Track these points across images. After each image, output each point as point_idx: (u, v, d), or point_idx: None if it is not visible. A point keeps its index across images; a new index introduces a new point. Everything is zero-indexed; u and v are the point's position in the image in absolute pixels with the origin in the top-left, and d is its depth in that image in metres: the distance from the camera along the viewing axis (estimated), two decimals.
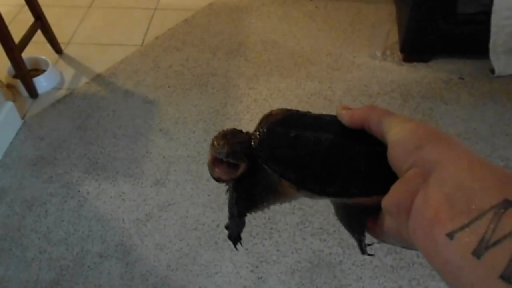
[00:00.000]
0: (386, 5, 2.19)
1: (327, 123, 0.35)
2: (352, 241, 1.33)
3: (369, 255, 0.37)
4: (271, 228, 1.38)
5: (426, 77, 1.84)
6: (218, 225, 1.38)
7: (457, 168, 0.26)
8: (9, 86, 1.83)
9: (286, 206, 1.42)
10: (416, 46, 1.83)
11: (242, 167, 0.34)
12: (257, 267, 1.30)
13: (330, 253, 1.32)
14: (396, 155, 0.30)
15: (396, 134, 0.30)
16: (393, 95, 1.78)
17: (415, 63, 1.88)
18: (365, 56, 1.94)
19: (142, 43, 2.06)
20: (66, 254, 1.33)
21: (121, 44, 2.05)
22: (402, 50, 1.87)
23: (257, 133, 0.35)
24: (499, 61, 1.77)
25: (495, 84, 1.80)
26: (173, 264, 1.30)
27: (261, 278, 1.27)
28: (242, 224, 0.37)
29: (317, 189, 0.32)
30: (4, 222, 1.40)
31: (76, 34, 2.13)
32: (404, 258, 1.30)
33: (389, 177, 0.30)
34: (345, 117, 0.34)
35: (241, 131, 0.37)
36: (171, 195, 1.46)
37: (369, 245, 0.36)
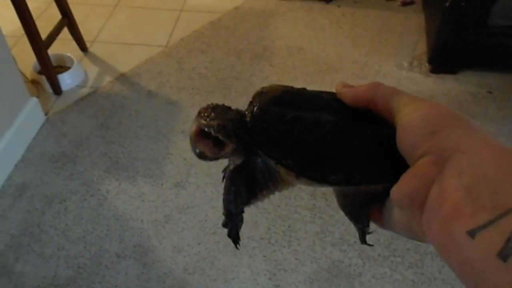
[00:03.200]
0: (415, 15, 2.16)
1: (327, 102, 0.31)
2: (373, 253, 1.31)
3: (368, 245, 0.34)
4: (291, 236, 1.35)
5: (453, 89, 1.80)
6: None
7: (478, 156, 0.23)
8: (34, 82, 1.85)
9: (306, 214, 1.40)
10: (444, 58, 1.79)
11: (229, 147, 0.30)
12: (274, 274, 1.27)
13: (349, 264, 1.29)
14: (407, 140, 0.27)
15: (407, 115, 0.27)
16: None
17: (442, 75, 1.84)
18: (392, 65, 1.91)
19: (167, 44, 2.06)
20: (84, 252, 1.32)
21: (146, 44, 2.06)
22: (430, 61, 1.83)
23: (250, 114, 0.31)
24: None
25: None
26: (191, 267, 1.29)
27: (278, 286, 1.25)
28: (240, 221, 0.34)
29: (318, 177, 0.29)
30: (24, 217, 1.41)
31: (101, 32, 2.15)
32: (426, 273, 1.26)
33: (397, 163, 0.27)
34: (348, 96, 0.31)
35: (230, 108, 0.33)
36: (190, 198, 1.45)
37: (369, 233, 0.33)
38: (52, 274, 1.28)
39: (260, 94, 0.32)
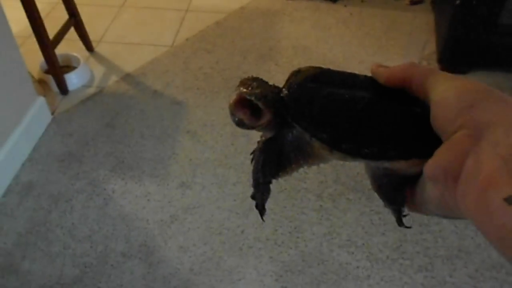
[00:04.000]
0: (424, 14, 2.13)
1: (362, 81, 0.32)
2: (382, 256, 1.29)
3: (406, 227, 0.34)
4: (297, 237, 1.34)
5: None
6: (243, 231, 1.35)
7: None
8: (41, 82, 1.85)
9: (313, 216, 1.39)
10: (454, 57, 1.77)
11: (267, 117, 0.31)
12: (281, 276, 1.26)
13: (357, 267, 1.27)
14: (441, 116, 0.27)
15: (442, 93, 0.27)
16: None
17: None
18: None
19: (173, 44, 2.06)
20: (90, 252, 1.32)
21: (152, 44, 2.06)
22: (439, 61, 1.81)
23: (287, 88, 0.32)
24: None
25: None
26: (196, 267, 1.28)
27: (285, 287, 1.24)
28: (267, 191, 0.35)
29: (352, 150, 0.30)
30: (31, 216, 1.41)
31: (107, 32, 2.15)
32: (436, 277, 1.24)
33: (431, 140, 0.28)
34: (384, 75, 0.31)
35: (268, 83, 0.34)
36: (196, 198, 1.44)
37: (404, 215, 0.33)
38: (59, 273, 1.28)
39: (297, 73, 0.33)
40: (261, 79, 0.34)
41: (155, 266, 1.29)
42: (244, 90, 0.32)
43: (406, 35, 2.05)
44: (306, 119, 0.30)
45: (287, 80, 0.33)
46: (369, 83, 0.32)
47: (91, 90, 1.85)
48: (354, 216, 1.38)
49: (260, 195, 0.35)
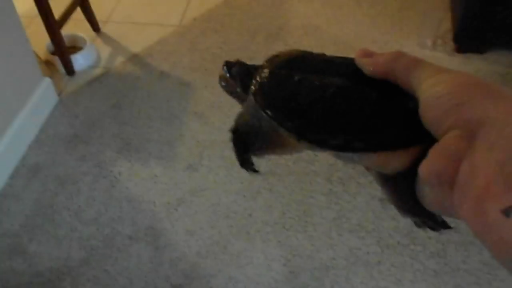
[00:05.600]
0: None
1: (341, 67, 0.30)
2: (392, 241, 1.26)
3: (447, 228, 0.30)
4: (306, 221, 1.32)
5: (480, 70, 1.71)
6: (250, 214, 1.33)
7: (508, 127, 0.22)
8: (47, 63, 1.83)
9: (322, 200, 1.36)
10: (471, 36, 1.70)
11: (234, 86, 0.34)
12: (289, 260, 1.24)
13: (367, 252, 1.25)
14: (430, 113, 0.25)
15: (430, 87, 0.25)
16: None
17: (469, 54, 1.75)
18: (414, 44, 1.82)
19: (180, 23, 2.01)
20: (97, 234, 1.31)
21: (159, 24, 2.02)
22: (455, 39, 1.74)
23: (258, 76, 0.31)
24: None
25: None
26: (203, 251, 1.27)
27: (293, 272, 1.22)
28: (251, 162, 0.35)
29: (318, 141, 0.28)
30: (38, 198, 1.40)
31: (114, 12, 2.11)
32: (449, 263, 1.21)
33: (409, 132, 0.26)
34: (367, 67, 0.29)
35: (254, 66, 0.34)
36: (203, 181, 1.42)
37: (438, 222, 0.30)
38: (65, 255, 1.28)
39: (273, 58, 0.32)
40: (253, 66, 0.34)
41: (161, 249, 1.28)
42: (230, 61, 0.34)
43: (420, 13, 1.97)
44: (272, 107, 0.29)
45: (262, 65, 0.32)
46: (349, 69, 0.30)
47: (98, 71, 1.82)
48: (364, 200, 1.35)
49: (246, 162, 0.35)
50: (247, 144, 0.33)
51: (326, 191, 1.38)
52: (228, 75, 0.34)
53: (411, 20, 1.94)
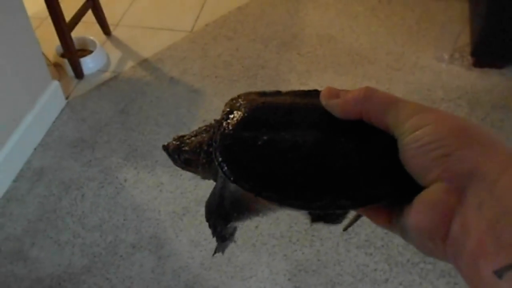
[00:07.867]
0: (458, 3, 2.01)
1: (308, 113, 0.29)
2: (401, 259, 1.22)
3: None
4: (313, 236, 1.28)
5: (498, 85, 1.67)
6: (256, 226, 1.30)
7: (498, 183, 0.21)
8: (56, 65, 1.82)
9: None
10: (489, 50, 1.66)
11: (197, 168, 0.34)
12: (295, 275, 1.21)
13: (375, 269, 1.21)
14: (415, 161, 0.24)
15: (411, 129, 0.24)
16: (459, 102, 1.62)
17: (486, 69, 1.71)
18: (431, 57, 1.78)
19: (192, 29, 2.00)
20: (100, 241, 1.29)
21: (170, 29, 2.00)
22: (473, 53, 1.70)
23: (220, 144, 0.29)
24: None
25: None
26: (207, 262, 1.24)
27: (298, 287, 1.19)
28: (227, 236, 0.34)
29: (301, 205, 0.27)
30: (41, 202, 1.38)
31: (125, 16, 2.10)
32: (460, 283, 1.17)
33: (392, 179, 0.26)
34: (337, 109, 0.28)
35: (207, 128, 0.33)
36: (209, 190, 1.38)
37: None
38: (67, 262, 1.26)
39: (230, 112, 0.30)
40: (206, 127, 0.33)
41: (164, 259, 1.25)
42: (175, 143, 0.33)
43: (438, 25, 1.93)
44: (246, 179, 0.27)
45: (220, 125, 0.29)
46: (320, 114, 0.28)
47: (107, 75, 1.81)
48: None
49: (220, 239, 0.33)
50: (225, 219, 0.32)
51: None
52: (177, 158, 0.33)
53: (429, 32, 1.90)
